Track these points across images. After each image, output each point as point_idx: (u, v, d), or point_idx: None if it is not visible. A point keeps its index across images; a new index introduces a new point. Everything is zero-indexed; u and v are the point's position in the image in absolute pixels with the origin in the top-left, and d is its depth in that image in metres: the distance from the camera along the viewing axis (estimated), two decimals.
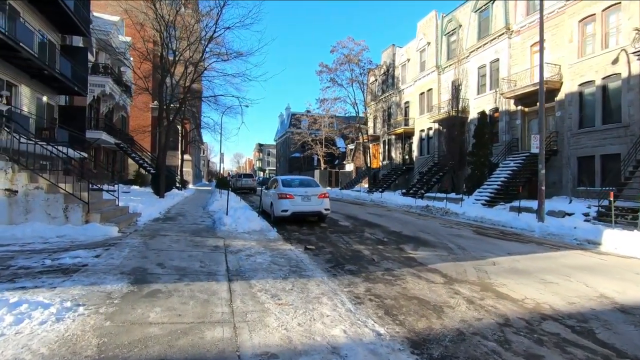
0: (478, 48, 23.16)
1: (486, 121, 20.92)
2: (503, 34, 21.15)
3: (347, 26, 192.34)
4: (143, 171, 26.75)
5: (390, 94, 34.95)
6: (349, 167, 49.58)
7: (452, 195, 21.79)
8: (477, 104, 23.22)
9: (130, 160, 30.04)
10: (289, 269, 5.34)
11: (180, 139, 33.13)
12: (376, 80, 37.81)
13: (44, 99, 15.13)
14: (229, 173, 59.57)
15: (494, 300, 4.44)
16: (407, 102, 32.71)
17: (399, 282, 5.14)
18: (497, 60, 21.83)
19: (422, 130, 29.92)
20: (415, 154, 31.17)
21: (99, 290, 3.89)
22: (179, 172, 30.77)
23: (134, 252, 5.71)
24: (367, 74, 35.98)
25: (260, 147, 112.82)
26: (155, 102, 29.11)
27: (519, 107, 20.29)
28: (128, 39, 26.79)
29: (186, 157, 39.05)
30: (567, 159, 17.19)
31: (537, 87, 13.64)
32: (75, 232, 6.76)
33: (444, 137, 27.07)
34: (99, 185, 12.56)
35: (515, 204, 15.81)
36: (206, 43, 15.21)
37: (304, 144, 51.35)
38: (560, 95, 17.70)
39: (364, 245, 7.97)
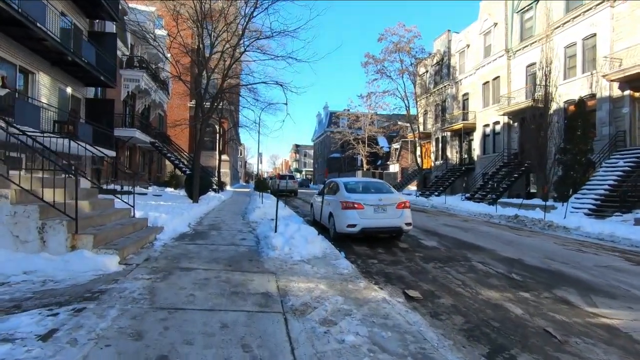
0: (565, 23, 19.13)
1: (582, 110, 16.91)
2: (603, 2, 17.07)
3: (387, 20, 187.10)
4: (179, 172, 25.12)
5: (444, 86, 31.23)
6: (393, 167, 46.08)
7: (535, 201, 17.98)
8: (564, 91, 19.16)
9: (167, 161, 28.71)
10: None
11: (217, 137, 31.49)
12: (427, 71, 34.16)
13: (68, 90, 13.42)
14: (263, 175, 58.03)
15: None
16: (465, 94, 28.87)
17: None
18: (594, 35, 17.74)
19: (486, 125, 26.02)
20: (476, 152, 27.29)
21: None
22: (216, 173, 29.01)
23: (123, 320, 3.13)
24: (416, 65, 32.42)
25: (297, 148, 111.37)
26: (193, 101, 27.66)
27: (627, 92, 16.17)
28: (165, 32, 25.39)
29: (224, 157, 37.53)
30: None
31: None
32: (52, 265, 4.36)
33: (516, 133, 23.16)
34: (117, 186, 10.46)
35: (638, 214, 12.06)
36: (247, 20, 12.79)
37: (344, 144, 48.49)
38: None
39: (495, 290, 4.98)
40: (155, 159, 29.14)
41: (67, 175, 6.87)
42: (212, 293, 4.00)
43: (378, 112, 43.08)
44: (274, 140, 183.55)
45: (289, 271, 5.17)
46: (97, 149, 9.85)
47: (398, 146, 44.91)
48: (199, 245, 6.47)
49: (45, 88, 11.84)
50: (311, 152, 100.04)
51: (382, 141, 50.36)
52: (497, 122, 24.77)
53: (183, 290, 4.00)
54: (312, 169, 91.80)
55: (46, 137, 6.97)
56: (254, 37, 12.99)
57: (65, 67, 12.47)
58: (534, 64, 21.70)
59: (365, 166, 46.38)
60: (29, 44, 10.60)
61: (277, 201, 7.11)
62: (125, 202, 7.24)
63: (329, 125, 61.39)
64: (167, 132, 30.84)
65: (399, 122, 49.09)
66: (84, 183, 7.12)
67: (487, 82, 25.77)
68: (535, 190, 21.56)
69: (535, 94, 20.24)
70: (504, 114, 23.25)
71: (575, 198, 15.15)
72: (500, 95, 23.92)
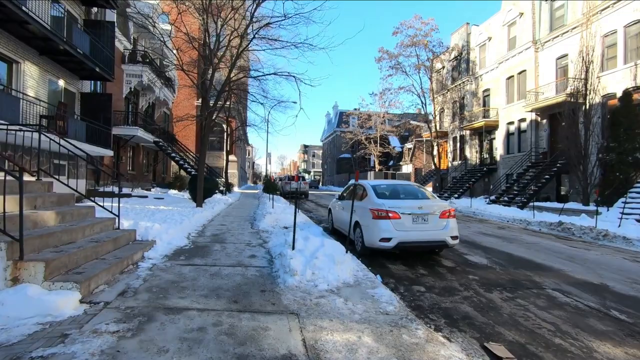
0: (603, 9, 17.41)
1: (626, 104, 15.19)
2: None
3: (397, 19, 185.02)
4: (183, 173, 23.91)
5: (463, 82, 29.55)
6: (406, 168, 44.40)
7: (572, 205, 16.28)
8: (604, 83, 17.43)
9: (173, 162, 27.54)
10: None
11: (225, 137, 30.27)
12: (443, 67, 32.49)
13: (60, 83, 12.20)
14: (273, 177, 56.82)
15: None
16: (486, 90, 27.18)
17: None
18: (637, 22, 16.01)
19: (510, 123, 24.31)
20: (499, 152, 25.58)
21: None
22: (223, 174, 27.78)
23: None
24: (432, 60, 30.74)
25: (305, 149, 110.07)
26: (200, 99, 26.40)
27: None
28: (169, 27, 24.22)
29: (231, 158, 36.38)
30: None
31: None
32: None
33: (544, 130, 21.44)
34: (124, 189, 9.18)
35: None
36: (256, 3, 11.40)
37: (355, 144, 46.96)
38: None
39: (611, 343, 3.51)
40: (161, 159, 28.01)
41: (38, 178, 5.58)
42: (209, 355, 2.60)
43: (391, 111, 41.47)
44: (282, 140, 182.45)
45: (316, 310, 3.75)
46: (72, 146, 8.57)
47: (411, 146, 43.23)
48: (197, 268, 5.08)
49: (32, 79, 10.62)
50: (319, 152, 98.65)
51: (394, 141, 48.66)
52: (522, 119, 23.05)
53: (163, 356, 2.60)
54: (320, 170, 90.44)
55: (11, 130, 5.67)
56: (265, 22, 11.58)
57: (55, 57, 11.24)
58: (565, 55, 20.00)
59: (377, 167, 44.77)
60: (11, 29, 9.37)
61: (295, 211, 5.66)
62: (108, 211, 5.89)
63: (339, 125, 59.93)
64: (173, 132, 29.71)
65: (412, 121, 47.50)
66: (60, 187, 5.80)
67: (512, 76, 24.07)
68: (565, 193, 19.86)
69: (569, 87, 18.53)
70: (531, 110, 21.54)
71: (622, 202, 13.46)
72: (527, 91, 22.20)
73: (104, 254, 4.63)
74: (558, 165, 18.91)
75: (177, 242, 6.52)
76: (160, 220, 8.03)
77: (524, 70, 22.88)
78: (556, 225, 11.82)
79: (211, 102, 13.94)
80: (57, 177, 5.95)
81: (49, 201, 5.07)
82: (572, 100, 17.45)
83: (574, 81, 17.77)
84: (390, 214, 6.27)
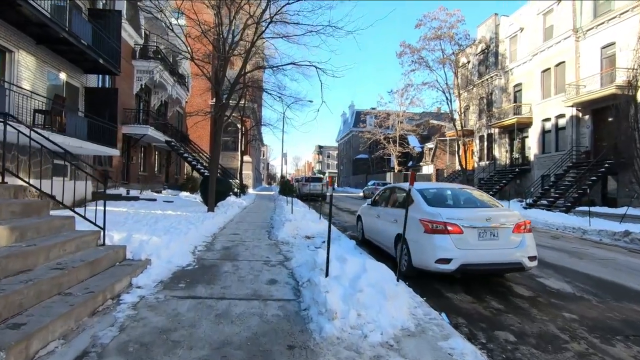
0: None
1: None
2: None
3: (411, 20, 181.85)
4: (196, 174, 22.89)
5: (491, 77, 27.66)
6: (427, 169, 42.53)
7: (631, 211, 14.36)
8: None
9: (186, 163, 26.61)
10: None
11: (240, 137, 29.24)
12: (468, 62, 30.59)
13: (62, 76, 11.20)
14: (293, 178, 55.68)
15: None
16: (518, 85, 25.26)
17: None
18: None
19: (547, 120, 22.36)
20: (532, 151, 23.64)
21: None
22: (238, 175, 26.71)
23: None
24: (457, 55, 28.92)
25: (320, 149, 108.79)
26: (214, 99, 25.32)
27: None
28: (180, 22, 23.28)
29: (246, 158, 35.31)
30: None
31: None
32: None
33: (587, 127, 19.48)
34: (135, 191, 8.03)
35: None
36: None
37: (373, 144, 45.36)
38: None
39: None
40: (174, 160, 27.13)
41: (2, 181, 4.40)
42: None
43: (411, 110, 39.78)
44: (297, 141, 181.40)
45: None
46: (52, 145, 7.45)
47: (432, 146, 41.36)
48: (199, 303, 3.75)
49: (28, 71, 9.61)
50: (334, 153, 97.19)
51: (413, 140, 46.79)
52: (561, 115, 21.10)
53: None
54: (336, 171, 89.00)
55: None
56: (284, 2, 10.25)
57: (54, 47, 10.22)
58: (612, 44, 18.04)
59: (396, 167, 43.06)
60: (1, 13, 8.35)
61: (330, 227, 4.31)
62: (91, 222, 4.65)
63: (356, 124, 58.32)
64: (187, 131, 28.85)
65: (432, 121, 45.58)
66: (61, 189, 4.61)
67: (548, 69, 22.13)
68: (613, 196, 17.87)
69: (618, 78, 16.62)
70: (572, 105, 19.60)
71: None
72: (566, 84, 20.27)
73: (72, 285, 3.37)
74: (606, 165, 16.99)
75: (179, 259, 5.25)
76: (163, 230, 6.79)
77: (563, 62, 20.94)
78: (622, 235, 10.09)
79: (224, 97, 12.80)
80: (54, 178, 4.74)
81: (8, 211, 3.86)
82: (625, 92, 15.54)
83: (627, 72, 15.86)
84: (449, 227, 4.84)
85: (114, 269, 4.15)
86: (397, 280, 4.17)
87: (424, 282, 5.24)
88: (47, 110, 9.33)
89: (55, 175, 10.07)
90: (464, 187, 6.44)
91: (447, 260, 4.77)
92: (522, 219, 5.10)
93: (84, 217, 4.59)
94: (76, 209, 5.00)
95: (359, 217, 8.63)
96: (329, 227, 4.28)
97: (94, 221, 4.63)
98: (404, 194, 6.08)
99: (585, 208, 16.23)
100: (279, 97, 14.15)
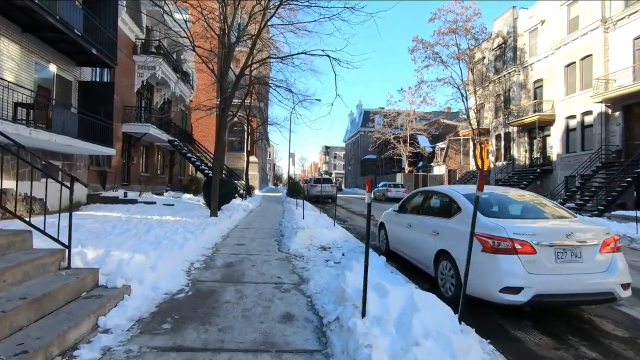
0: None
1: None
2: None
3: (420, 20, 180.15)
4: (200, 175, 21.92)
5: (509, 73, 26.34)
6: (439, 169, 41.18)
7: None
8: None
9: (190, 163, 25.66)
10: None
11: (246, 137, 28.25)
12: (484, 58, 29.26)
13: (51, 68, 10.24)
14: (302, 179, 54.61)
15: None
16: (538, 81, 23.93)
17: None
18: None
19: (571, 117, 21.01)
20: (555, 150, 22.29)
21: None
22: (243, 176, 25.72)
23: None
24: (473, 49, 27.63)
25: (327, 150, 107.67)
26: (219, 98, 24.31)
27: None
28: (187, 16, 22.35)
29: (252, 159, 34.31)
30: None
31: None
32: None
33: (617, 125, 18.12)
34: (134, 192, 7.01)
35: None
36: None
37: (382, 144, 44.09)
38: None
39: None
40: (178, 160, 26.21)
41: None
42: None
43: (423, 108, 38.43)
44: (303, 141, 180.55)
45: None
46: (34, 145, 6.41)
47: (444, 145, 40.01)
48: (188, 359, 2.67)
49: (11, 61, 8.65)
50: (341, 153, 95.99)
51: (423, 140, 45.44)
52: (587, 112, 19.76)
53: None
54: (343, 171, 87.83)
55: None
56: None
57: (42, 35, 9.27)
58: None
59: (407, 168, 41.78)
60: None
61: (367, 250, 3.17)
62: (52, 238, 3.58)
63: (364, 124, 57.09)
64: (191, 131, 27.96)
65: (444, 120, 44.20)
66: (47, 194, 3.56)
67: (572, 63, 20.78)
68: None
69: None
70: (601, 101, 18.28)
71: None
72: (594, 78, 18.93)
73: (3, 338, 2.29)
74: None
75: (168, 283, 4.17)
76: (154, 242, 5.72)
77: (589, 55, 19.60)
78: None
79: (229, 91, 11.75)
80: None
81: None
82: None
83: None
84: (517, 246, 3.69)
85: (74, 304, 3.08)
86: (460, 322, 3.04)
87: (479, 312, 4.10)
88: (29, 104, 8.35)
89: (48, 177, 9.11)
90: (517, 190, 5.25)
91: (517, 290, 3.62)
92: (611, 234, 3.93)
93: (43, 232, 3.52)
94: (62, 214, 3.92)
95: (381, 225, 7.49)
96: (366, 250, 3.15)
97: (55, 237, 3.56)
98: (447, 200, 4.95)
99: (621, 212, 14.93)
100: (289, 90, 12.99)
